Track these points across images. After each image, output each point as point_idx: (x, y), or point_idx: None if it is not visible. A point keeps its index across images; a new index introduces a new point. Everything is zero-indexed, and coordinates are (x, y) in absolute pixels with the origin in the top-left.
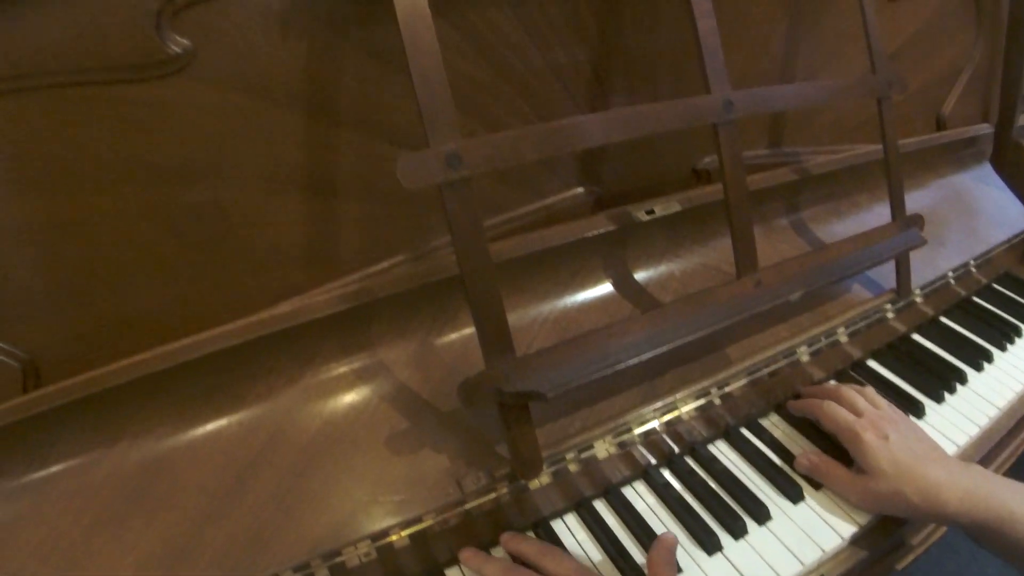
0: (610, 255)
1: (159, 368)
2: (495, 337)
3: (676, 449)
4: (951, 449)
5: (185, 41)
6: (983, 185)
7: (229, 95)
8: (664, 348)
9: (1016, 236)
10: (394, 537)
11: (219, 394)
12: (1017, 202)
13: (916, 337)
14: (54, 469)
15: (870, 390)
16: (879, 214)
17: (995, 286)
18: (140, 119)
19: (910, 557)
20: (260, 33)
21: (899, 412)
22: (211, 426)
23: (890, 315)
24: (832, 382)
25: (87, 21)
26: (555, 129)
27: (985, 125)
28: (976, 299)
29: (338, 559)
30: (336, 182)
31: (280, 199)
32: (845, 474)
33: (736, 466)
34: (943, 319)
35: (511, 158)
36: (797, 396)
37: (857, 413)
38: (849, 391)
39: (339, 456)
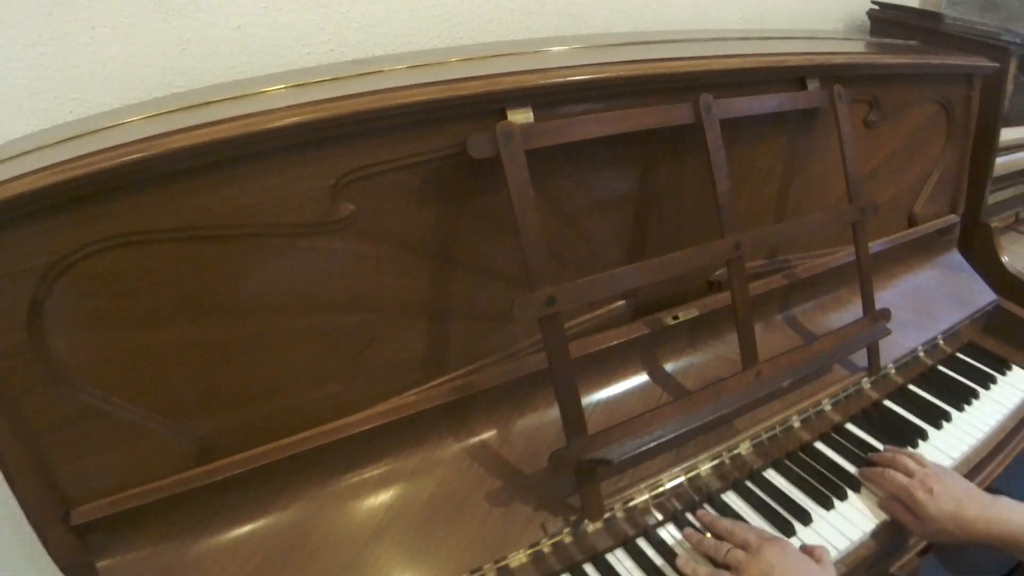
0: (644, 352)
1: (313, 445)
2: (574, 421)
3: (697, 498)
4: None
5: (351, 206)
6: (950, 270)
7: (380, 246)
8: (689, 427)
9: (977, 312)
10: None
11: (357, 460)
12: (980, 281)
13: (887, 403)
14: (222, 524)
15: (918, 454)
16: (857, 305)
17: (959, 355)
18: (313, 262)
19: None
20: (403, 201)
21: (941, 466)
22: (350, 481)
23: (866, 387)
24: (886, 451)
25: (281, 189)
26: (614, 275)
27: (953, 216)
28: (941, 367)
29: None
30: (450, 306)
31: (410, 320)
32: (910, 518)
33: (743, 511)
34: (911, 387)
35: (588, 298)
36: (794, 452)
37: (909, 474)
38: (901, 457)
39: (453, 509)
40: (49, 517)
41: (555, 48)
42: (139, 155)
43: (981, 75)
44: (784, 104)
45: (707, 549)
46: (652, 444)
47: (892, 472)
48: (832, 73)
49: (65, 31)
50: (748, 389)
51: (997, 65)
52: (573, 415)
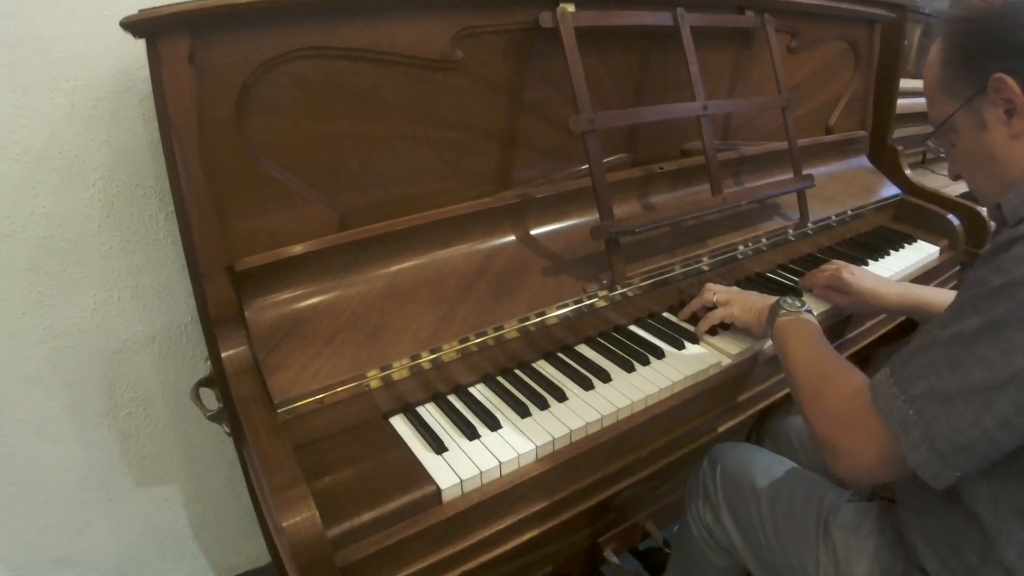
0: (640, 189)
1: (420, 223)
2: (606, 207)
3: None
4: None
5: (461, 53)
6: (860, 169)
7: (475, 84)
8: (682, 219)
9: (883, 200)
10: (550, 315)
11: (452, 238)
12: (887, 180)
13: (818, 255)
14: (355, 277)
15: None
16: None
17: (874, 232)
18: (432, 89)
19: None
20: (494, 55)
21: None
22: (449, 252)
23: (792, 238)
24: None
25: (420, 32)
26: (627, 112)
27: (862, 131)
28: (863, 239)
29: (528, 323)
30: (517, 137)
31: (490, 143)
32: (838, 295)
33: None
34: (837, 247)
35: (612, 123)
36: (750, 277)
37: (838, 268)
38: (834, 264)
39: (520, 274)
40: (216, 265)
41: None
42: None
43: (881, 22)
44: (729, 21)
45: (704, 291)
46: (655, 227)
47: (827, 268)
48: (763, 6)
49: None
50: (717, 204)
51: (894, 15)
52: (605, 202)
